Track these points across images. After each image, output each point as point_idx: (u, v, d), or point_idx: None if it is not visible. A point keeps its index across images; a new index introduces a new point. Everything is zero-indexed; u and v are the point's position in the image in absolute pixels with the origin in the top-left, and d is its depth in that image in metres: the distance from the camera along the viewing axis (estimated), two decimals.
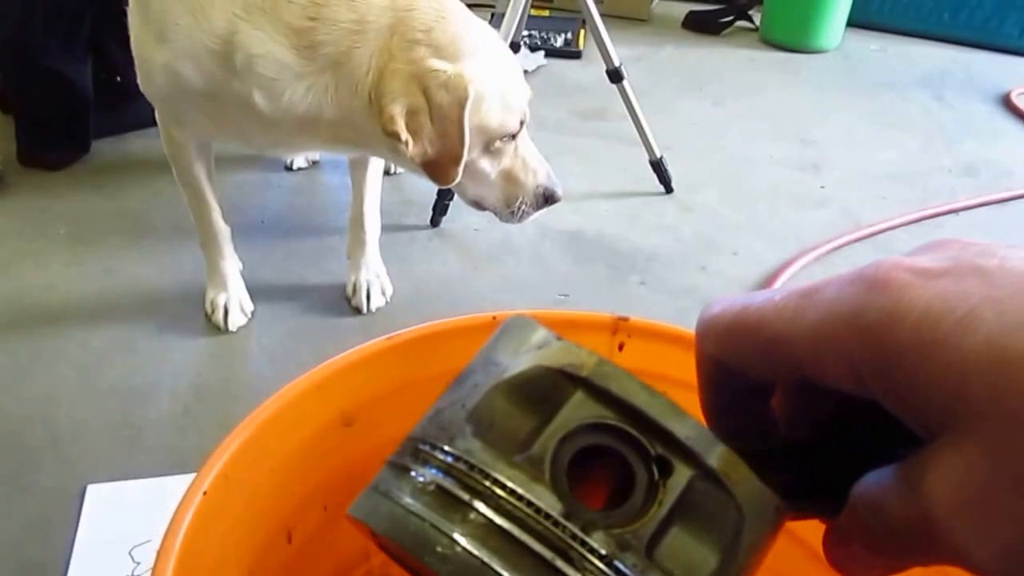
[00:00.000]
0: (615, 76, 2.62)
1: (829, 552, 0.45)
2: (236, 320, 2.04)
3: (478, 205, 1.82)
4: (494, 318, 0.88)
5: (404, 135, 1.52)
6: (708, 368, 0.51)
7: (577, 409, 0.45)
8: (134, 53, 1.68)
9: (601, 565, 0.41)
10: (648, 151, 2.69)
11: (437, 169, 1.61)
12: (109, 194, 2.56)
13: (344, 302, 2.13)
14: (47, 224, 2.41)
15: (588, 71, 3.55)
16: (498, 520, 0.42)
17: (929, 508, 0.38)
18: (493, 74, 1.60)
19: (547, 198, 1.79)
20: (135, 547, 1.46)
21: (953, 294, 0.37)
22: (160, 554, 0.64)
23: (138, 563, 1.43)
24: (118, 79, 2.73)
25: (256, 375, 1.89)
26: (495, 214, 1.82)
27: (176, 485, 1.54)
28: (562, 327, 0.90)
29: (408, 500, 0.45)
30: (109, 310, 2.07)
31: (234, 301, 2.05)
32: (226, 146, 1.98)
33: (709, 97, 3.50)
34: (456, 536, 0.42)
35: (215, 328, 2.02)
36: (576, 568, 0.41)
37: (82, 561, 1.43)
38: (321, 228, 2.46)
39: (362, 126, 1.59)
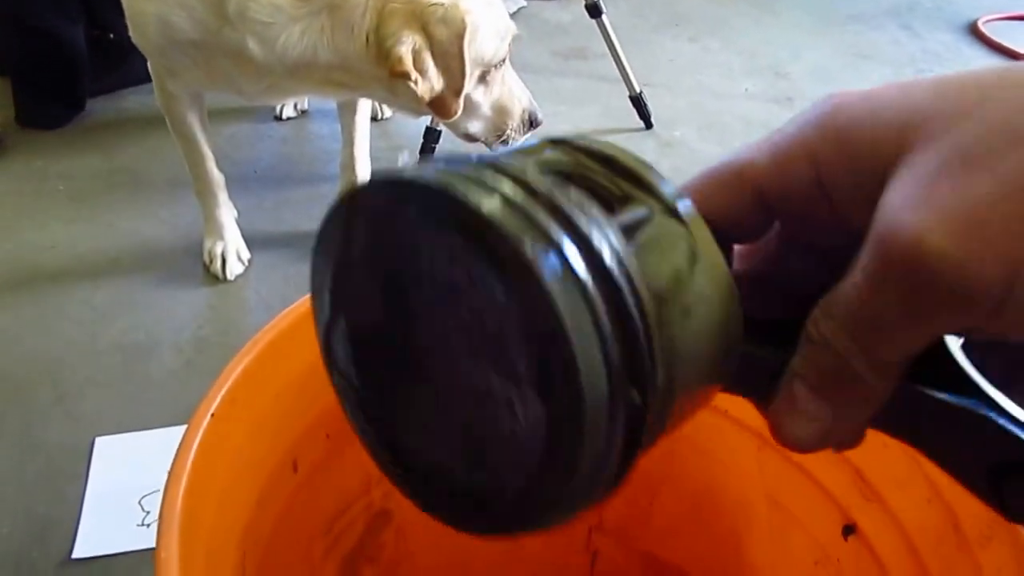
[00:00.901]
0: (594, 11, 2.59)
1: (771, 414, 0.44)
2: (234, 269, 2.00)
3: (469, 137, 1.80)
4: None
5: (414, 75, 1.48)
6: None
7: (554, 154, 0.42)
8: (124, 5, 1.64)
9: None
10: (628, 87, 2.66)
11: (441, 104, 1.58)
12: (106, 151, 2.52)
13: None
14: (45, 183, 2.37)
15: (567, 11, 3.50)
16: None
17: (894, 222, 0.37)
18: (482, 3, 1.57)
19: (531, 121, 1.81)
20: (144, 496, 1.44)
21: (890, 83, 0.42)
22: (171, 475, 0.64)
23: (147, 512, 1.42)
24: (111, 36, 2.66)
25: (255, 325, 1.81)
26: (485, 143, 1.81)
27: (181, 435, 1.52)
28: None
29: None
30: (110, 266, 2.04)
31: (231, 249, 2.02)
32: (216, 98, 1.94)
33: (685, 33, 3.45)
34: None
35: (214, 279, 1.99)
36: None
37: (93, 512, 1.42)
38: (312, 177, 2.43)
39: (359, 68, 1.56)
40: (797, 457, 0.84)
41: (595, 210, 0.37)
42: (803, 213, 0.43)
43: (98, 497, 1.44)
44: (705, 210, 0.43)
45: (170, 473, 0.64)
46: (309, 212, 2.25)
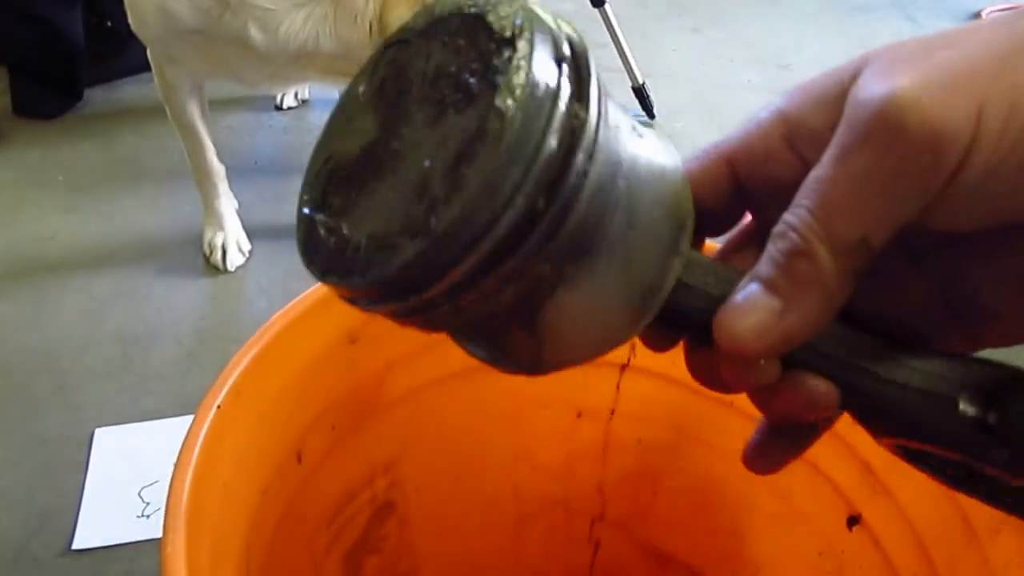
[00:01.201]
0: (597, 0, 2.57)
1: (718, 317, 0.43)
2: (234, 260, 2.00)
3: None
4: None
5: None
6: None
7: None
8: None
9: None
10: (631, 77, 2.64)
11: None
12: (104, 141, 2.52)
13: None
14: (44, 173, 2.37)
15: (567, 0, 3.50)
16: None
17: (865, 92, 0.39)
18: None
19: None
20: (144, 488, 1.45)
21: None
22: (177, 466, 0.64)
23: (147, 503, 1.42)
24: (109, 24, 2.66)
25: (256, 316, 1.85)
26: None
27: (181, 426, 1.52)
28: None
29: None
30: (109, 257, 2.04)
31: (232, 240, 2.02)
32: (215, 87, 1.95)
33: (688, 24, 3.44)
34: None
35: (214, 269, 1.99)
36: None
37: (92, 503, 1.42)
38: None
39: (362, 58, 1.55)
40: None
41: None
42: (775, 183, 0.45)
43: (98, 488, 1.45)
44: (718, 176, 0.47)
45: (176, 465, 0.64)
46: None
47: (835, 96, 0.42)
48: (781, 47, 3.27)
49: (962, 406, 0.42)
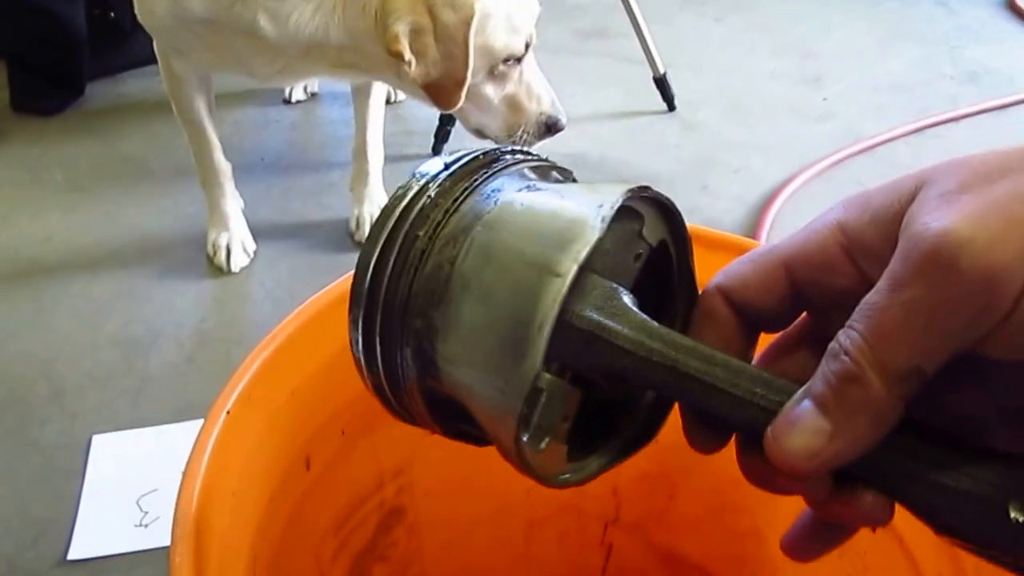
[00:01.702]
0: None
1: (769, 433, 0.44)
2: (238, 260, 2.01)
3: (479, 133, 1.77)
4: None
5: (408, 55, 1.48)
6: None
7: None
8: None
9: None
10: (652, 67, 2.65)
11: (440, 92, 1.57)
12: (105, 138, 2.53)
13: (347, 237, 2.10)
14: (43, 172, 2.38)
15: None
16: None
17: (921, 225, 0.40)
18: None
19: (550, 127, 1.76)
20: (142, 496, 1.45)
21: None
22: (186, 474, 0.65)
23: (145, 512, 1.42)
24: (112, 15, 2.66)
25: (259, 318, 1.86)
26: (495, 141, 1.76)
27: (181, 433, 1.54)
28: None
29: None
30: (109, 258, 2.05)
31: (236, 241, 2.02)
32: (221, 82, 1.95)
33: (710, 12, 3.44)
34: None
35: (217, 270, 2.00)
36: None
37: (90, 512, 1.43)
38: (321, 164, 2.43)
39: (368, 49, 1.55)
40: None
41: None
42: (832, 290, 0.47)
43: (95, 496, 1.45)
44: (738, 289, 0.50)
45: (185, 473, 0.64)
46: (318, 200, 2.25)
47: (893, 215, 0.43)
48: (805, 35, 3.27)
49: (1013, 513, 0.42)
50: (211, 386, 1.62)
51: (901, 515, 0.77)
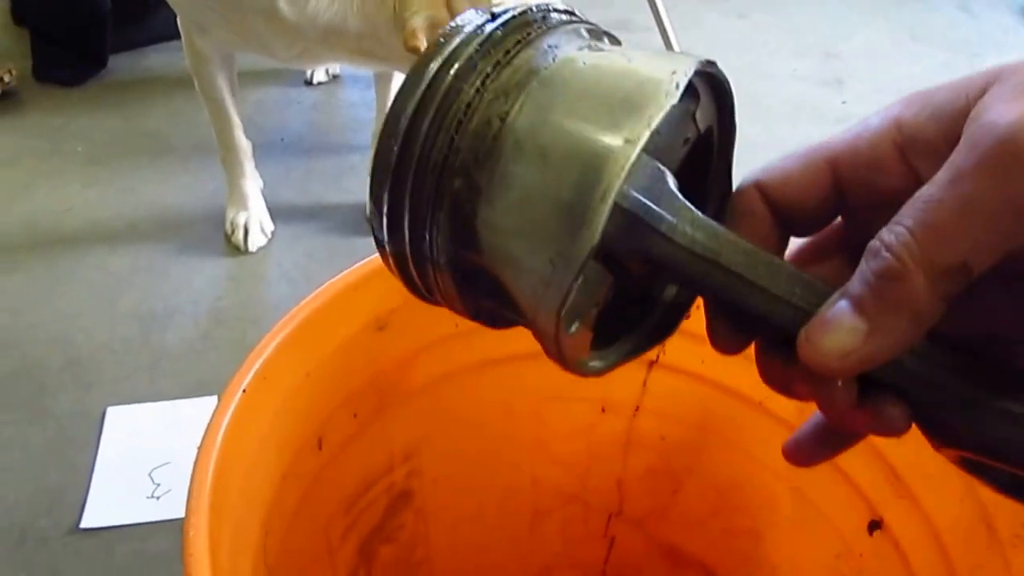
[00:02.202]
0: None
1: (803, 333, 0.43)
2: (256, 240, 2.02)
3: None
4: None
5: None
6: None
7: None
8: None
9: None
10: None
11: None
12: (126, 112, 2.54)
13: (365, 222, 2.09)
14: (63, 143, 2.39)
15: None
16: None
17: (989, 118, 0.38)
18: None
19: None
20: (155, 469, 1.47)
21: None
22: (202, 449, 0.65)
23: (157, 484, 1.44)
24: None
25: (275, 298, 1.88)
26: None
27: (195, 408, 1.56)
28: None
29: None
30: (127, 231, 2.06)
31: (254, 221, 2.03)
32: (244, 61, 1.96)
33: (734, 9, 3.44)
34: None
35: (235, 249, 2.01)
36: None
37: (102, 483, 1.44)
38: (341, 146, 2.44)
39: (386, 39, 1.56)
40: None
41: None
42: (877, 192, 0.45)
43: (108, 467, 1.47)
44: (778, 186, 0.47)
45: (200, 448, 0.65)
46: (338, 183, 2.26)
47: (958, 111, 0.41)
48: (829, 35, 3.26)
49: None
50: (226, 364, 1.64)
51: (899, 519, 0.80)
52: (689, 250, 0.44)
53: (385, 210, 0.47)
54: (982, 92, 0.40)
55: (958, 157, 0.39)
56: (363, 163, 2.20)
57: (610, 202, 0.41)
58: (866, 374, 0.42)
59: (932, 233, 0.39)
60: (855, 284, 0.41)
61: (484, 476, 1.03)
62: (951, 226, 0.39)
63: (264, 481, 0.75)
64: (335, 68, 2.75)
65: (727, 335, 0.49)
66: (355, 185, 2.23)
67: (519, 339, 0.93)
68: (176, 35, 1.87)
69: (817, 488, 0.88)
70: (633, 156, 0.41)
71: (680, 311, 0.54)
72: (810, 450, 0.53)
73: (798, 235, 0.50)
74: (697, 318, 0.89)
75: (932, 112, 0.43)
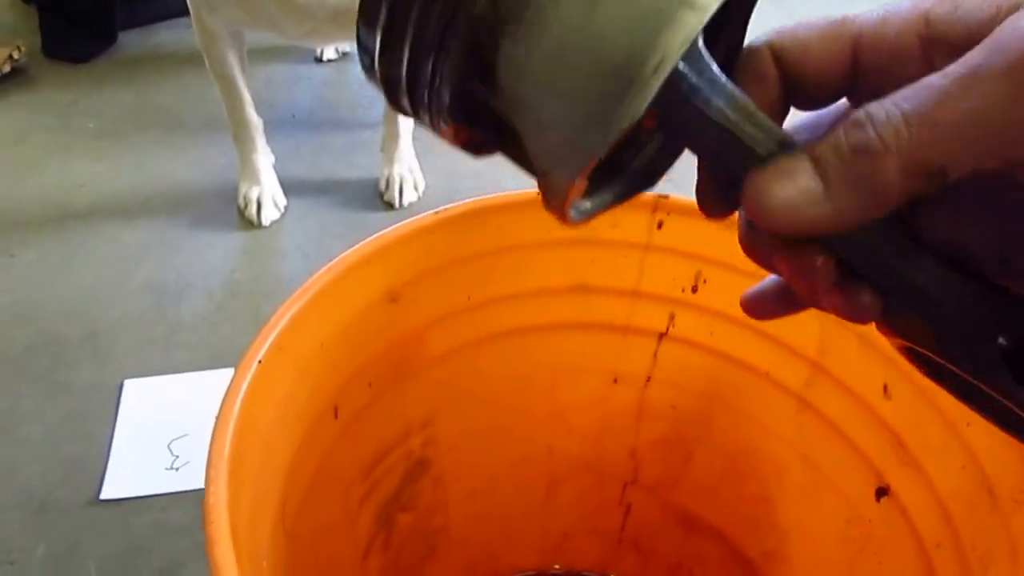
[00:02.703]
0: None
1: (752, 175, 0.41)
2: (269, 215, 2.04)
3: None
4: (539, 194, 0.90)
5: None
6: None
7: None
8: None
9: None
10: None
11: None
12: (137, 88, 2.56)
13: (376, 197, 2.13)
14: (74, 119, 2.41)
15: None
16: None
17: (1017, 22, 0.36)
18: None
19: None
20: (173, 440, 1.48)
21: None
22: (220, 419, 0.66)
23: (176, 456, 1.46)
24: None
25: (289, 271, 1.89)
26: None
27: (212, 380, 1.58)
28: None
29: None
30: (140, 207, 2.08)
31: (267, 195, 2.05)
32: (254, 38, 1.97)
33: None
34: None
35: (248, 224, 2.03)
36: None
37: (121, 455, 1.46)
38: (352, 122, 2.45)
39: None
40: (836, 421, 0.88)
41: None
42: (893, 81, 0.40)
43: (126, 439, 1.48)
44: (796, 54, 0.45)
45: (218, 417, 0.66)
46: (348, 159, 2.27)
47: (987, 19, 0.39)
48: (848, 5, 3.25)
49: (1001, 339, 0.41)
50: (241, 336, 1.66)
51: (905, 486, 0.82)
52: (719, 125, 0.41)
53: (381, 25, 0.42)
54: (1015, 8, 0.38)
55: (980, 56, 0.36)
56: (373, 139, 2.21)
57: (664, 75, 0.37)
58: (844, 261, 0.42)
59: (927, 128, 0.37)
60: (824, 146, 0.40)
61: (500, 446, 1.06)
62: (951, 127, 0.37)
63: (282, 449, 0.77)
64: (344, 46, 2.76)
65: (716, 199, 0.48)
66: (366, 160, 2.24)
67: (532, 312, 0.97)
68: (186, 11, 1.88)
69: (825, 456, 0.90)
70: (700, 27, 0.37)
71: (669, 160, 0.50)
72: (770, 307, 0.52)
73: (800, 107, 0.48)
74: (704, 292, 0.93)
75: (963, 14, 0.40)
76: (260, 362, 0.72)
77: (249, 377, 0.70)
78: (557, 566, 1.17)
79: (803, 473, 0.94)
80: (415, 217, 0.86)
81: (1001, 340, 0.41)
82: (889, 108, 0.38)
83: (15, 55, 2.52)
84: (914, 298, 0.42)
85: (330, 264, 0.81)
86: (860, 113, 0.39)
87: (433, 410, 0.98)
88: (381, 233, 0.84)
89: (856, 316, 0.43)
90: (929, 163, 0.37)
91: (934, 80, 0.37)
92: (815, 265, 0.42)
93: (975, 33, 0.39)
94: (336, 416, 0.86)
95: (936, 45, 0.41)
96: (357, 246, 0.83)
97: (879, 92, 0.40)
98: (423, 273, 0.89)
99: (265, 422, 0.72)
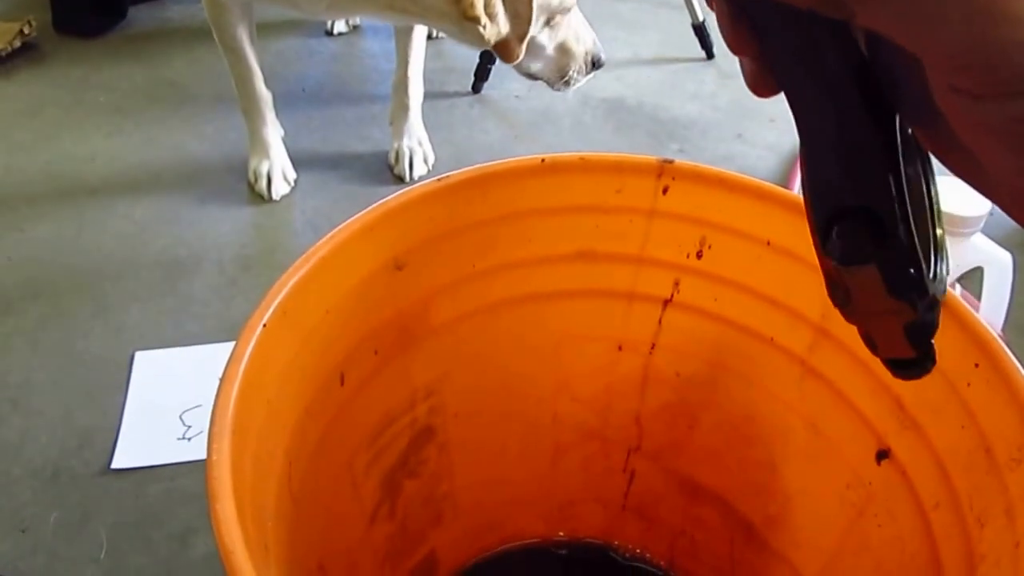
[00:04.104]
0: None
1: None
2: (279, 188, 2.04)
3: (531, 76, 1.82)
4: (543, 161, 0.91)
5: (484, 20, 1.51)
6: None
7: None
8: None
9: None
10: (691, 14, 2.65)
11: (506, 48, 1.61)
12: (147, 62, 2.56)
13: (386, 170, 2.13)
14: (85, 93, 2.42)
15: None
16: None
17: None
18: None
19: (595, 63, 1.82)
20: (185, 411, 1.50)
21: None
22: (224, 378, 0.68)
23: (188, 426, 1.47)
24: None
25: (300, 245, 1.86)
26: (547, 83, 1.84)
27: (224, 352, 1.55)
28: (608, 169, 0.93)
29: None
30: (151, 180, 2.08)
31: (277, 169, 2.05)
32: (263, 11, 1.97)
33: None
34: None
35: (258, 197, 2.03)
36: None
37: (132, 425, 1.47)
38: (362, 96, 2.45)
39: (428, 1, 1.58)
40: (839, 385, 0.89)
41: None
42: None
43: (138, 410, 1.49)
44: None
45: (222, 378, 0.67)
46: (359, 133, 2.27)
47: None
48: None
49: (834, 232, 0.45)
50: (251, 310, 1.66)
51: (905, 448, 0.83)
52: None
53: None
54: None
55: None
56: (383, 113, 2.21)
57: None
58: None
59: None
60: None
61: (505, 413, 1.06)
62: None
63: (287, 412, 0.77)
64: (355, 19, 2.76)
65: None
66: (376, 134, 2.25)
67: (537, 279, 0.97)
68: None
69: (828, 419, 0.91)
70: None
71: None
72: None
73: None
74: (708, 258, 0.94)
75: None
76: (265, 325, 0.73)
77: (254, 340, 0.71)
78: (561, 533, 1.18)
79: (806, 438, 0.94)
80: (416, 185, 0.87)
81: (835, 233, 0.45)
82: None
83: (26, 30, 2.53)
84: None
85: (334, 231, 0.82)
86: None
87: (439, 378, 0.99)
88: (384, 200, 0.85)
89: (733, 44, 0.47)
90: None
91: None
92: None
93: None
94: (342, 383, 0.87)
95: None
96: (360, 213, 0.84)
97: None
98: (427, 240, 0.89)
99: (270, 384, 0.73)
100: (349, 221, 0.83)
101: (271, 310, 0.74)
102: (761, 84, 0.49)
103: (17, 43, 2.52)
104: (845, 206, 0.45)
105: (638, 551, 1.17)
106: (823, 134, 0.46)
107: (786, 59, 0.46)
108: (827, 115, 0.45)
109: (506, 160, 0.90)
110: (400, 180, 2.09)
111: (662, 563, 1.16)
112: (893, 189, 0.43)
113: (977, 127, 0.40)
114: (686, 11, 2.65)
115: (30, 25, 2.54)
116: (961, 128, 0.41)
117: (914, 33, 0.38)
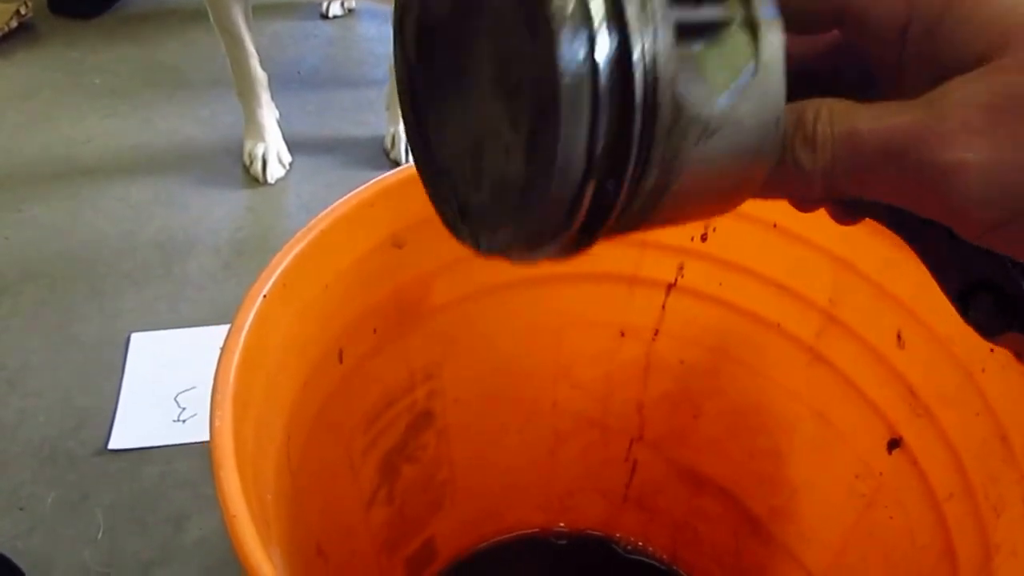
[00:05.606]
0: None
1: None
2: (274, 172, 2.02)
3: None
4: None
5: None
6: None
7: None
8: None
9: None
10: None
11: None
12: (143, 44, 2.55)
13: (382, 155, 2.11)
14: (81, 75, 2.40)
15: None
16: None
17: (943, 116, 0.37)
18: None
19: None
20: (180, 393, 1.49)
21: None
22: (225, 350, 0.67)
23: (183, 408, 1.46)
24: None
25: (295, 229, 1.82)
26: None
27: (219, 334, 1.54)
28: None
29: None
30: (147, 163, 2.07)
31: (272, 152, 2.03)
32: None
33: None
34: None
35: (254, 181, 2.02)
36: None
37: (129, 407, 1.46)
38: (358, 80, 2.44)
39: None
40: (848, 372, 0.87)
41: (658, 4, 0.37)
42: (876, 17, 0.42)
43: (134, 391, 1.49)
44: None
45: (223, 350, 0.67)
46: (354, 117, 2.26)
47: (965, 36, 0.39)
48: None
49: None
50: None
51: (918, 437, 0.81)
52: None
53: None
54: (983, 51, 0.38)
55: (920, 111, 0.38)
56: (379, 97, 2.20)
57: None
58: None
59: (858, 169, 0.39)
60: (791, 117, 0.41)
61: (505, 399, 1.05)
62: (880, 170, 0.39)
63: (286, 385, 0.77)
64: (351, 2, 2.75)
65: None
66: (372, 118, 2.23)
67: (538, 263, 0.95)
68: None
69: (836, 408, 0.89)
70: None
71: None
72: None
73: (798, 32, 0.45)
74: (713, 241, 0.92)
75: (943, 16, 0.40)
76: (265, 296, 0.72)
77: (253, 312, 0.71)
78: (562, 524, 1.17)
79: (814, 427, 0.93)
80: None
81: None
82: (836, 124, 0.40)
83: (22, 11, 2.51)
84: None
85: (333, 206, 0.81)
86: (808, 113, 0.40)
87: (438, 361, 0.98)
88: (383, 176, 0.83)
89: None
90: (849, 194, 0.41)
91: (896, 114, 0.38)
92: None
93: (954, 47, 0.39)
94: (341, 360, 0.86)
95: (915, 40, 0.42)
96: (359, 189, 0.82)
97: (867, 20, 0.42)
98: (427, 219, 0.87)
99: (270, 356, 0.73)
100: (348, 196, 0.82)
101: (271, 281, 0.74)
102: (848, 222, 0.49)
103: (13, 24, 2.50)
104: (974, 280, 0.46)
105: (640, 543, 1.16)
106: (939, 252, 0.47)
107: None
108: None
109: None
110: (396, 165, 2.06)
111: (664, 556, 1.15)
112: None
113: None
114: None
115: (26, 6, 2.52)
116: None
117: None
